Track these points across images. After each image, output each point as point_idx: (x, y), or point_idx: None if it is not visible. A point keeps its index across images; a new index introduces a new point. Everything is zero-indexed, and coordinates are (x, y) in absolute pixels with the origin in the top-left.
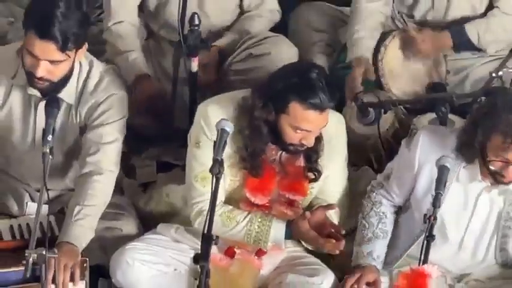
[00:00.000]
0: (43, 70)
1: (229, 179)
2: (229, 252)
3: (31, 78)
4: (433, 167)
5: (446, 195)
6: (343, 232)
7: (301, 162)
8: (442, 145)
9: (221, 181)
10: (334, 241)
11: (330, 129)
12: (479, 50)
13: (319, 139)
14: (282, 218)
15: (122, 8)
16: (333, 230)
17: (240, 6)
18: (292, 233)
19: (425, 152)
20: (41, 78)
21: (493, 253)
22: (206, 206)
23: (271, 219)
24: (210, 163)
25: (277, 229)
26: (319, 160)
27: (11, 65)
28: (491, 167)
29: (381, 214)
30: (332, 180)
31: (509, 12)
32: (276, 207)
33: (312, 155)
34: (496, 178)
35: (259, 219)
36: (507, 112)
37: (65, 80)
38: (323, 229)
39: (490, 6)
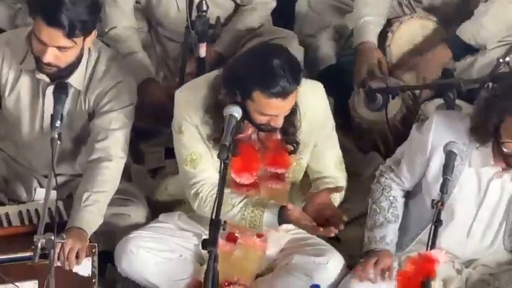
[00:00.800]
0: (50, 56)
1: (217, 160)
2: (231, 238)
3: (39, 63)
4: None
5: (459, 180)
6: (345, 219)
7: (278, 135)
8: (456, 129)
9: (210, 162)
10: (321, 229)
11: (304, 102)
12: (478, 50)
13: (294, 112)
14: (274, 196)
15: (116, 12)
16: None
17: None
18: (283, 219)
19: (438, 136)
20: (48, 64)
21: (502, 239)
22: (201, 188)
23: (264, 205)
24: (195, 145)
25: (270, 215)
26: (300, 133)
27: (19, 50)
28: (505, 149)
29: (391, 198)
30: (322, 150)
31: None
32: (264, 184)
33: (288, 127)
34: (509, 161)
35: (252, 206)
36: None
37: (73, 66)
38: (325, 211)
39: None
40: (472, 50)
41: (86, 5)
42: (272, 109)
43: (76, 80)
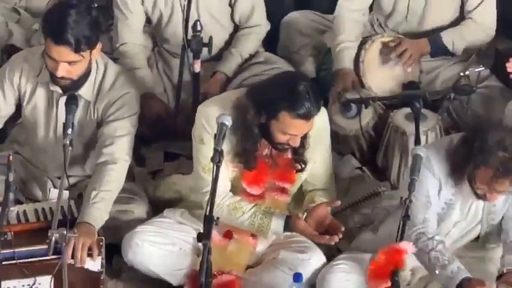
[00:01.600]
0: (62, 70)
1: (232, 170)
2: (228, 234)
3: (54, 77)
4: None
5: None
6: (343, 229)
7: (289, 154)
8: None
9: (225, 172)
10: (327, 237)
11: (316, 124)
12: (452, 54)
13: (305, 135)
14: (276, 205)
15: (126, 30)
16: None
17: (233, 21)
18: (289, 228)
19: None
20: (62, 78)
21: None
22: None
23: (272, 213)
24: None
25: (277, 224)
26: (306, 152)
27: (36, 65)
28: (478, 191)
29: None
30: (319, 166)
31: (480, 22)
32: (269, 194)
33: (299, 149)
34: (481, 197)
35: (262, 214)
36: (498, 149)
37: (84, 78)
38: (323, 222)
39: (461, 17)
40: (446, 53)
41: (87, 22)
42: (295, 129)
43: (86, 92)
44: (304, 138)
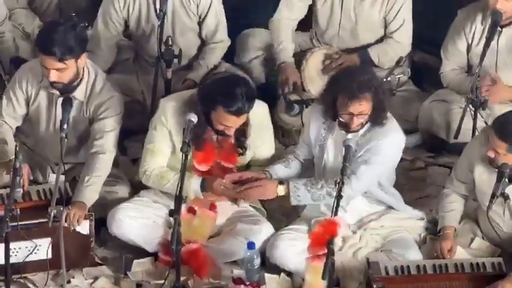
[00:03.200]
0: (53, 76)
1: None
2: (191, 210)
3: (50, 82)
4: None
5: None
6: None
7: (232, 140)
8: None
9: (165, 150)
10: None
11: (257, 116)
12: (377, 66)
13: (246, 124)
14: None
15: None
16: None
17: (200, 36)
18: (206, 188)
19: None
20: (54, 82)
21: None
22: (148, 167)
23: (190, 177)
24: (159, 142)
25: (195, 184)
26: (248, 138)
27: (39, 72)
28: (341, 119)
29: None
30: (263, 151)
31: (400, 41)
32: (215, 172)
33: (240, 137)
34: (345, 128)
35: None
36: (348, 79)
37: (76, 82)
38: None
39: (385, 35)
40: (373, 65)
41: (71, 37)
42: (228, 122)
43: (79, 94)
44: (245, 127)
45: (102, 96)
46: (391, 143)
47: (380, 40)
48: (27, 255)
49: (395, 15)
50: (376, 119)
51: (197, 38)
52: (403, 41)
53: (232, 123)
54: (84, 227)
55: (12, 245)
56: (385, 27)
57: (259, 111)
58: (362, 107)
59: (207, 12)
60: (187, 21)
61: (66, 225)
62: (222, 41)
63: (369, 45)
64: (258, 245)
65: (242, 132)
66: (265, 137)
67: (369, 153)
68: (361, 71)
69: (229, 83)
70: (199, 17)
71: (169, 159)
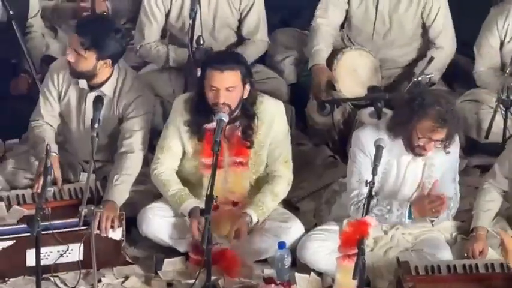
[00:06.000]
0: (71, 55)
1: (191, 151)
2: (214, 207)
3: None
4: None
5: (385, 169)
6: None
7: (239, 132)
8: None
9: (175, 150)
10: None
11: (268, 114)
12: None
13: (252, 118)
14: (238, 177)
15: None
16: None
17: (238, 34)
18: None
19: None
20: (68, 62)
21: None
22: (157, 168)
23: (184, 199)
24: (170, 140)
25: (185, 207)
26: (256, 134)
27: (67, 68)
28: (419, 143)
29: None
30: (272, 150)
31: (444, 46)
32: (230, 168)
33: (246, 130)
34: (417, 151)
35: (179, 196)
36: (435, 105)
37: (104, 79)
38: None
39: (422, 40)
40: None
41: (111, 37)
42: (214, 80)
43: (107, 89)
44: (252, 120)
45: (131, 95)
46: (456, 155)
47: (414, 50)
48: (58, 258)
49: (434, 18)
50: (446, 143)
51: (235, 36)
52: (446, 46)
53: (217, 82)
54: (116, 233)
55: (43, 249)
56: (424, 33)
57: (272, 108)
58: (442, 134)
59: (250, 9)
60: (229, 15)
61: (98, 232)
62: (262, 39)
63: (402, 53)
64: (288, 243)
65: (248, 125)
66: (278, 137)
67: (450, 172)
68: (447, 99)
69: (215, 52)
70: (241, 14)
71: (181, 161)
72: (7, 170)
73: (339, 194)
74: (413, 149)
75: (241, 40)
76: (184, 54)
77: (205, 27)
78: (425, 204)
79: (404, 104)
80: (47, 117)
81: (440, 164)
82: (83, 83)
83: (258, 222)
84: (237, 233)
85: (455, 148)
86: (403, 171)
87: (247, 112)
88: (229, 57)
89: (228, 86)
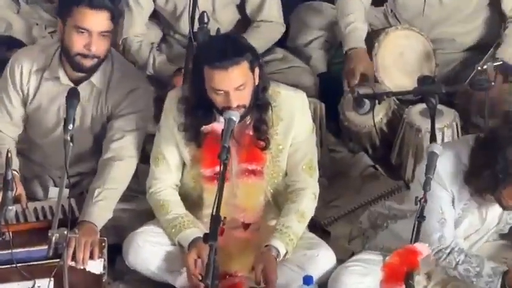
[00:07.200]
0: (96, 44)
1: (189, 159)
2: (220, 231)
3: (76, 64)
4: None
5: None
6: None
7: (250, 131)
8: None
9: (172, 161)
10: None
11: (288, 109)
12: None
13: (265, 110)
14: (252, 190)
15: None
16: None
17: (243, 13)
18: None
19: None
20: (93, 56)
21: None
22: (153, 185)
23: (183, 230)
24: (164, 148)
25: (184, 239)
26: (275, 134)
27: (41, 61)
28: (504, 204)
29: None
30: (297, 151)
31: None
32: (240, 179)
33: (259, 125)
34: (502, 206)
35: (181, 222)
36: None
37: (97, 65)
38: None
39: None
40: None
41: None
42: (219, 82)
43: (97, 79)
44: (265, 112)
45: (123, 88)
46: None
47: (480, 27)
48: None
49: None
50: None
51: (240, 18)
52: None
53: (224, 82)
54: (96, 265)
55: (2, 286)
56: (495, 2)
57: (291, 101)
58: None
59: None
60: None
61: (73, 264)
62: (271, 21)
63: (464, 31)
64: (316, 277)
65: (261, 119)
66: (300, 136)
67: None
68: None
69: (207, 42)
70: None
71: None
72: None
73: (393, 219)
74: (499, 204)
75: (248, 23)
76: (166, 66)
77: (202, 9)
78: None
79: (480, 164)
80: (1, 127)
81: None
82: (65, 79)
83: (286, 254)
84: (265, 274)
85: None
86: (484, 214)
87: (258, 101)
88: (230, 47)
89: (237, 86)
